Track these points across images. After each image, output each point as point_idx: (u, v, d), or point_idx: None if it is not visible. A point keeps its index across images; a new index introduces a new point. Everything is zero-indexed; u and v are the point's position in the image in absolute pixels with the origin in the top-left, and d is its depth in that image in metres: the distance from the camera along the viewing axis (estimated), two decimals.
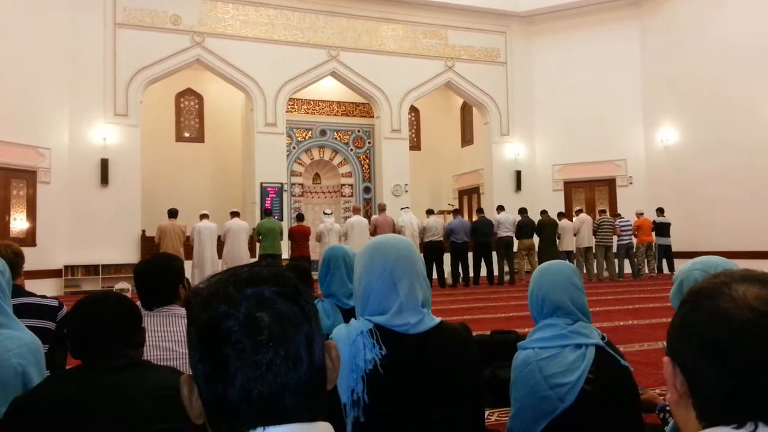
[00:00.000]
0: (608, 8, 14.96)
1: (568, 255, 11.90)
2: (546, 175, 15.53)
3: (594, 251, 12.33)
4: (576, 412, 1.63)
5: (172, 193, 13.29)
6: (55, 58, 11.48)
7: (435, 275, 11.21)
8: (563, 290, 1.79)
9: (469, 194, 17.16)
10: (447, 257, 11.40)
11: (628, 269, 12.49)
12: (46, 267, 10.90)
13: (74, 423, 1.29)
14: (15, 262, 2.45)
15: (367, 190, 15.86)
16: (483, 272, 11.71)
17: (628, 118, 14.83)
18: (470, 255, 11.60)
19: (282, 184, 13.67)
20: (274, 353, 0.66)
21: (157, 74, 12.68)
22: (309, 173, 15.96)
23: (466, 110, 17.41)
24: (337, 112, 15.96)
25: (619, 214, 13.05)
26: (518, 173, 15.33)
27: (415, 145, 17.24)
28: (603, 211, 13.23)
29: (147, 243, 11.90)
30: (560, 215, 12.63)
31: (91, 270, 11.69)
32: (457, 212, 12.69)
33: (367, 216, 13.24)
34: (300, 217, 10.91)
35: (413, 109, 16.71)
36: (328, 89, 15.38)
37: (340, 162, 16.01)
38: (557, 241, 12.13)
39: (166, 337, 2.02)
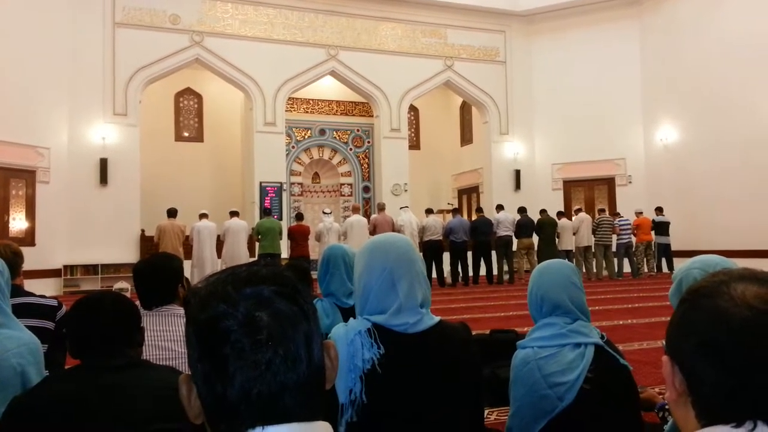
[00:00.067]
0: (608, 7, 14.96)
1: (567, 254, 11.90)
2: (545, 174, 15.53)
3: (593, 250, 12.33)
4: (575, 411, 1.63)
5: (171, 193, 13.28)
6: (55, 57, 11.47)
7: (434, 274, 11.21)
8: (562, 289, 1.79)
9: (469, 193, 17.16)
10: (446, 256, 11.40)
11: (627, 268, 12.49)
12: (45, 267, 10.89)
13: (73, 423, 1.29)
14: (14, 261, 2.45)
15: (366, 189, 15.86)
16: (482, 271, 11.71)
17: (628, 117, 14.83)
18: (469, 254, 11.60)
19: (281, 183, 13.66)
20: (273, 353, 0.66)
21: (156, 74, 12.68)
22: (308, 173, 15.96)
23: (465, 109, 17.41)
24: (337, 111, 15.96)
25: (619, 213, 13.06)
26: (517, 172, 15.34)
27: (415, 144, 17.23)
28: (602, 210, 13.24)
29: (146, 242, 11.89)
30: (559, 214, 12.64)
31: (90, 270, 11.68)
32: (456, 211, 12.70)
33: (367, 215, 13.24)
34: (299, 217, 10.92)
35: (412, 109, 16.70)
36: (328, 88, 15.37)
37: (340, 161, 16.01)
38: (556, 240, 12.13)
39: (165, 336, 2.02)
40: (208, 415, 0.68)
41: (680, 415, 0.72)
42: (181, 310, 2.08)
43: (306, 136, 15.56)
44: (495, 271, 11.81)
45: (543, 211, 12.40)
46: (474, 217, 12.48)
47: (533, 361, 1.71)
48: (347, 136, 15.95)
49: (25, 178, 10.99)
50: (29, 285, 2.87)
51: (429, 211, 11.92)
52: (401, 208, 11.97)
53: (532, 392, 1.68)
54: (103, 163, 11.92)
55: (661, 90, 14.23)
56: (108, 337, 1.46)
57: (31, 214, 11.03)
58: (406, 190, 14.64)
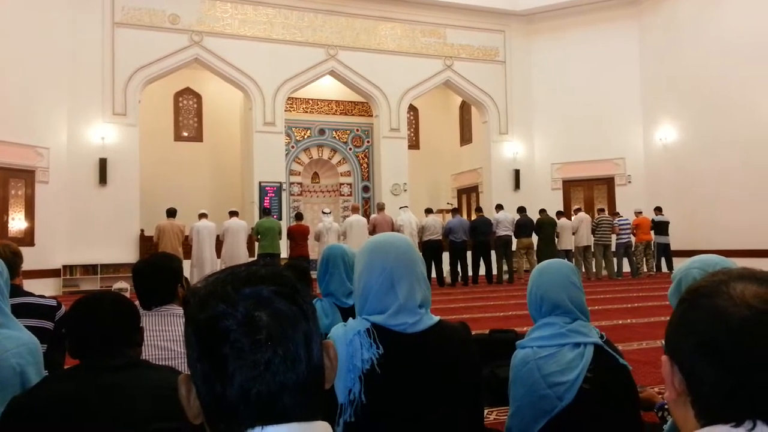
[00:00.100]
0: (607, 7, 14.96)
1: (566, 254, 11.91)
2: (545, 173, 15.53)
3: (593, 250, 12.33)
4: (575, 410, 1.63)
5: (170, 193, 13.28)
6: (54, 57, 11.46)
7: (434, 274, 11.21)
8: (562, 289, 1.79)
9: (468, 193, 17.16)
10: (446, 256, 11.41)
11: (626, 268, 12.50)
12: (44, 267, 10.88)
13: (73, 423, 1.29)
14: (13, 261, 2.45)
15: (365, 189, 15.86)
16: (482, 271, 11.71)
17: (627, 117, 14.83)
18: (469, 254, 11.60)
19: (281, 183, 13.66)
20: (272, 352, 0.66)
21: (155, 73, 12.67)
22: (308, 172, 15.96)
23: (464, 109, 17.41)
24: (336, 111, 15.96)
25: (618, 213, 13.06)
26: (517, 172, 15.34)
27: (414, 144, 17.24)
28: (602, 210, 13.24)
29: (146, 242, 11.88)
30: (559, 214, 12.64)
31: (89, 270, 11.68)
32: (455, 211, 12.71)
33: (366, 215, 13.24)
34: (299, 217, 10.91)
35: (412, 108, 16.71)
36: (327, 88, 15.37)
37: (339, 161, 16.01)
38: (556, 239, 12.13)
39: (165, 336, 2.02)
40: (208, 415, 0.68)
41: (680, 415, 0.72)
42: (180, 310, 2.08)
43: (305, 136, 15.56)
44: (494, 271, 11.81)
45: (542, 211, 12.40)
46: (473, 217, 12.48)
47: (533, 360, 1.71)
48: (347, 135, 15.95)
49: (25, 178, 10.98)
50: (28, 285, 2.87)
51: (428, 211, 11.93)
52: (401, 207, 11.98)
53: (531, 392, 1.68)
54: (103, 163, 11.92)
55: (661, 89, 14.24)
56: (107, 337, 1.46)
57: (30, 214, 11.02)
58: (405, 190, 14.64)
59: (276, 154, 13.67)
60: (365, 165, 15.92)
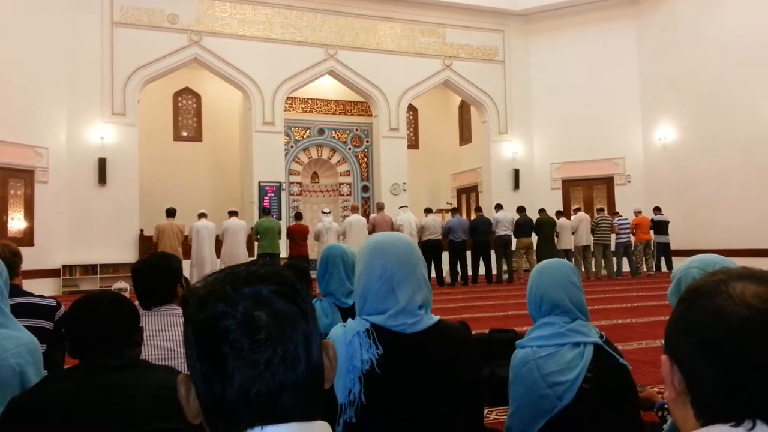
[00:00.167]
0: (606, 6, 14.97)
1: (566, 253, 11.91)
2: (544, 173, 15.54)
3: (592, 249, 12.34)
4: (574, 410, 1.63)
5: (170, 193, 13.27)
6: (53, 57, 11.45)
7: (433, 274, 11.21)
8: (561, 288, 1.79)
9: (468, 193, 17.17)
10: (445, 256, 11.41)
11: (626, 267, 12.50)
12: (44, 267, 10.88)
13: (72, 423, 1.29)
14: (13, 261, 2.45)
15: (365, 188, 15.85)
16: (481, 271, 11.72)
17: (626, 117, 14.84)
18: (469, 254, 11.60)
19: (280, 183, 13.66)
20: (272, 352, 0.66)
21: (154, 73, 12.67)
22: (307, 172, 15.95)
23: (464, 109, 17.41)
24: (335, 110, 15.95)
25: (618, 213, 13.07)
26: (516, 172, 15.34)
27: (414, 143, 17.24)
28: (601, 210, 13.24)
29: (145, 242, 11.88)
30: (558, 214, 12.65)
31: (89, 269, 11.67)
32: (455, 211, 12.71)
33: (366, 215, 13.23)
34: (298, 216, 10.91)
35: (411, 108, 16.70)
36: (326, 88, 15.36)
37: (339, 161, 16.00)
38: (555, 239, 12.14)
39: (164, 336, 2.02)
40: (207, 414, 0.68)
41: (679, 415, 0.72)
42: (179, 310, 2.08)
43: (305, 136, 15.55)
44: (494, 271, 11.81)
45: (542, 211, 12.40)
46: (473, 217, 12.48)
47: (532, 360, 1.71)
48: (346, 135, 15.94)
49: (24, 178, 10.98)
50: (28, 285, 2.86)
51: (428, 211, 11.93)
52: (400, 207, 11.98)
53: (531, 392, 1.68)
54: (102, 163, 11.91)
55: (660, 89, 14.25)
56: (107, 337, 1.46)
57: (29, 214, 11.02)
58: (405, 190, 14.64)
59: (275, 153, 13.67)
60: (365, 165, 15.92)
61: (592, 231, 12.29)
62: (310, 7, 13.86)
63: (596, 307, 7.19)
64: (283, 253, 11.10)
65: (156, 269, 2.19)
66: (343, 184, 16.00)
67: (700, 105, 13.09)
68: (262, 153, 13.42)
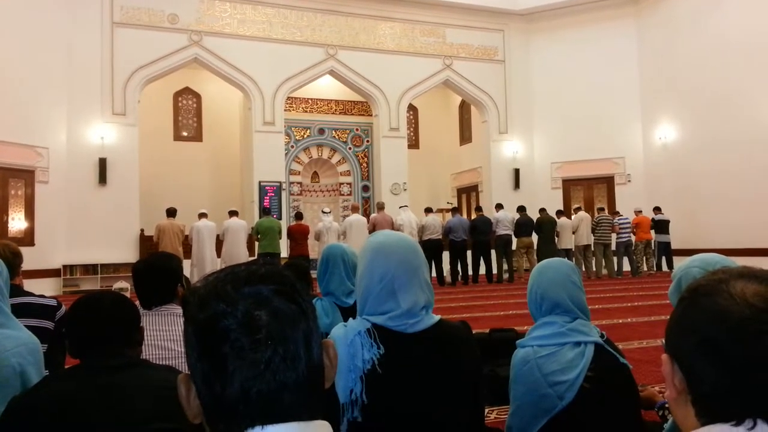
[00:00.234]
0: (606, 6, 14.97)
1: (566, 253, 11.90)
2: (544, 173, 15.54)
3: (593, 249, 12.33)
4: (575, 409, 1.63)
5: (170, 193, 13.27)
6: (53, 57, 11.46)
7: (434, 273, 11.21)
8: (562, 288, 1.79)
9: (468, 192, 17.16)
10: (446, 255, 11.41)
11: (627, 267, 12.49)
12: (44, 267, 10.89)
13: (73, 422, 1.29)
14: (13, 261, 2.45)
15: (365, 188, 15.85)
16: (482, 270, 11.72)
17: (627, 116, 14.84)
18: (469, 253, 11.60)
19: (280, 182, 13.66)
20: (272, 352, 0.66)
21: (154, 73, 12.67)
22: (307, 172, 15.95)
23: (464, 108, 17.41)
24: (336, 110, 15.95)
25: (618, 212, 13.07)
26: (517, 171, 15.34)
27: (414, 143, 17.24)
28: (601, 209, 13.24)
29: (146, 242, 11.89)
30: (559, 213, 12.64)
31: (89, 269, 11.68)
32: (455, 210, 12.71)
33: (366, 214, 13.24)
34: (299, 216, 10.91)
35: (411, 108, 16.70)
36: (326, 88, 15.36)
37: (339, 161, 16.00)
38: (556, 239, 12.13)
39: (165, 336, 2.02)
40: (207, 414, 0.68)
41: (680, 414, 0.72)
42: (180, 310, 2.08)
43: (305, 136, 15.55)
44: (494, 270, 11.81)
45: (542, 210, 12.40)
46: (473, 216, 12.47)
47: (533, 359, 1.71)
48: (346, 135, 15.94)
49: (24, 178, 10.98)
50: (28, 285, 2.86)
51: (428, 210, 11.92)
52: (401, 207, 11.98)
53: (532, 391, 1.68)
54: (102, 163, 11.91)
55: (660, 88, 14.24)
56: (107, 336, 1.46)
57: (30, 213, 11.02)
58: (405, 189, 14.64)
59: (275, 153, 13.67)
60: (365, 164, 15.92)
61: (593, 230, 12.28)
62: (310, 7, 13.86)
63: (597, 306, 7.19)
64: (284, 253, 11.10)
65: (156, 269, 2.19)
66: (343, 183, 16.00)
67: (700, 104, 13.08)
68: (262, 153, 13.42)
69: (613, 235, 12.26)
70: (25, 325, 1.84)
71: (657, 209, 12.72)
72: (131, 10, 12.42)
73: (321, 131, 15.69)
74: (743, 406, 0.64)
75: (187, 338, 0.70)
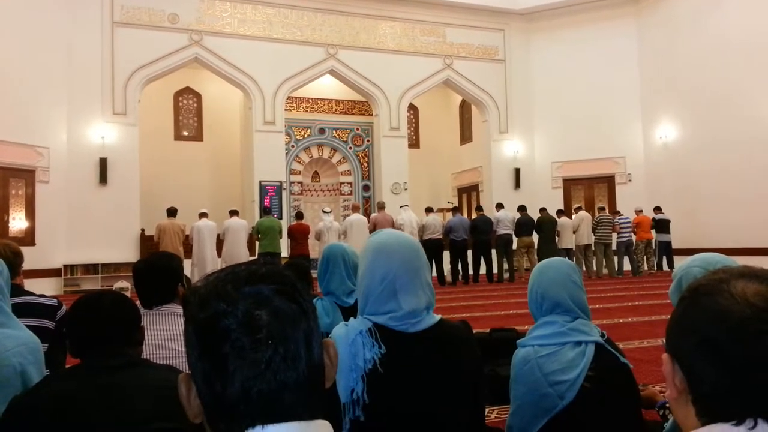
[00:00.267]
0: (606, 5, 14.96)
1: (567, 252, 11.90)
2: (545, 172, 15.53)
3: (593, 248, 12.33)
4: (576, 409, 1.63)
5: (171, 192, 13.28)
6: (53, 57, 11.46)
7: (434, 273, 11.20)
8: (562, 287, 1.79)
9: (468, 192, 17.16)
10: (446, 255, 11.41)
11: (627, 266, 12.49)
12: (45, 266, 10.89)
13: (73, 422, 1.29)
14: (14, 261, 2.45)
15: (366, 188, 15.86)
16: (482, 270, 11.71)
17: (627, 116, 14.83)
18: (470, 253, 11.60)
19: (281, 182, 13.66)
20: (273, 351, 0.66)
21: (155, 73, 12.67)
22: (308, 171, 15.95)
23: (464, 108, 17.41)
24: (336, 110, 15.95)
25: (619, 212, 13.06)
26: (517, 171, 15.34)
27: (414, 143, 17.24)
28: (602, 209, 13.24)
29: (146, 242, 11.89)
30: (559, 213, 12.63)
31: (90, 269, 11.69)
32: (456, 210, 12.70)
33: (367, 214, 13.24)
34: (299, 216, 10.91)
35: (412, 107, 16.70)
36: (327, 87, 15.36)
37: (339, 160, 16.00)
38: (556, 238, 12.13)
39: (165, 335, 2.02)
40: (208, 414, 0.68)
41: (681, 413, 0.72)
42: (180, 309, 2.08)
43: (305, 135, 15.55)
44: (495, 270, 11.81)
45: (543, 210, 12.40)
46: (474, 216, 12.47)
47: (533, 359, 1.71)
48: (347, 134, 15.94)
49: (25, 178, 10.99)
50: (29, 284, 2.87)
51: (429, 210, 11.92)
52: (401, 206, 11.97)
53: (532, 391, 1.68)
54: (103, 163, 11.92)
55: (660, 88, 14.24)
56: (108, 336, 1.46)
57: (30, 213, 11.03)
58: (405, 189, 14.64)
59: (276, 153, 13.67)
60: (365, 164, 15.92)
61: (593, 230, 12.28)
62: (311, 7, 13.86)
63: (597, 306, 7.19)
64: (284, 253, 11.10)
65: (157, 269, 2.19)
66: (343, 183, 16.01)
67: (701, 104, 13.08)
68: (262, 152, 13.42)
69: (614, 235, 12.26)
70: (26, 325, 1.84)
71: (657, 209, 12.72)
72: (131, 10, 12.42)
73: (321, 131, 15.69)
74: (744, 406, 0.64)
75: (187, 338, 0.70)
